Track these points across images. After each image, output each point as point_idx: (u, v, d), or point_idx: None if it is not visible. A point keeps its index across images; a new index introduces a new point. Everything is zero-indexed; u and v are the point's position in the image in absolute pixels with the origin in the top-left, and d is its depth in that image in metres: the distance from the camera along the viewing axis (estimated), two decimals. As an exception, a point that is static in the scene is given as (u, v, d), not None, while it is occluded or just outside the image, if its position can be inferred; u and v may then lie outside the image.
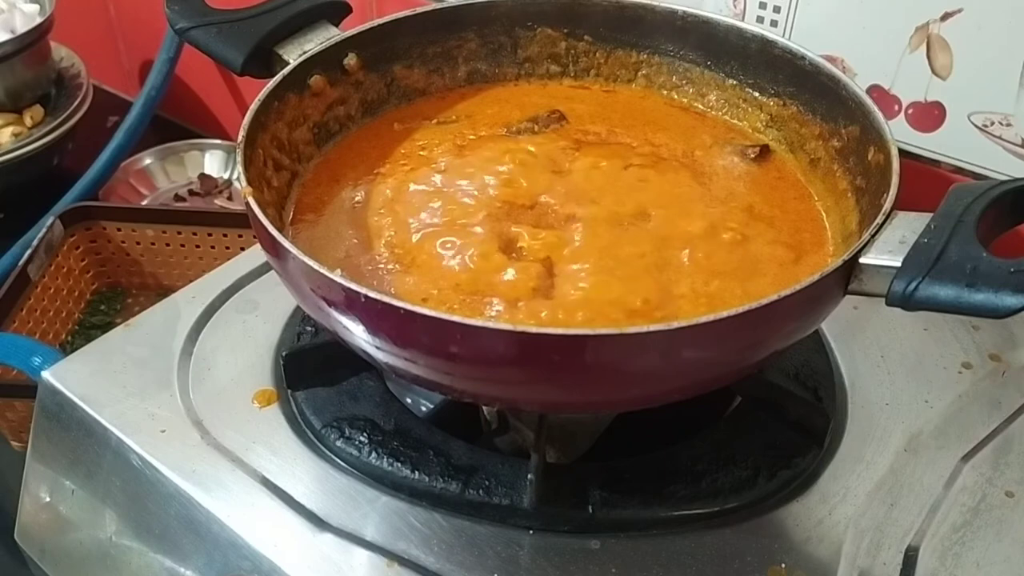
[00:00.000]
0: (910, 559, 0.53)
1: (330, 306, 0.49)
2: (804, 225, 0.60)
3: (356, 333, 0.49)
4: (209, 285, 0.71)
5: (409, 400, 0.64)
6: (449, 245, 0.57)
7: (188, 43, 0.66)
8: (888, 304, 0.46)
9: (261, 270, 0.72)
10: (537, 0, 0.71)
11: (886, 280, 0.46)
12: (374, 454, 0.58)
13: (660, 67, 0.71)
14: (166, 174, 1.13)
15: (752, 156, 0.65)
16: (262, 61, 0.65)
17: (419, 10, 0.69)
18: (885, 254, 0.47)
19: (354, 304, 0.47)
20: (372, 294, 0.46)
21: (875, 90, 0.71)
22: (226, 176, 1.12)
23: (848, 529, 0.55)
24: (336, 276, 0.47)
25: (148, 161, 1.12)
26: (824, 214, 0.61)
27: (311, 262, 0.48)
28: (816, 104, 0.63)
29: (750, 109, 0.68)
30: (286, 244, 0.49)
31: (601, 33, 0.71)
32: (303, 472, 0.58)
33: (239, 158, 0.55)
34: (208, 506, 0.56)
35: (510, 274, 0.54)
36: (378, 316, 0.47)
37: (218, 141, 1.16)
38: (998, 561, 0.53)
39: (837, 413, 0.61)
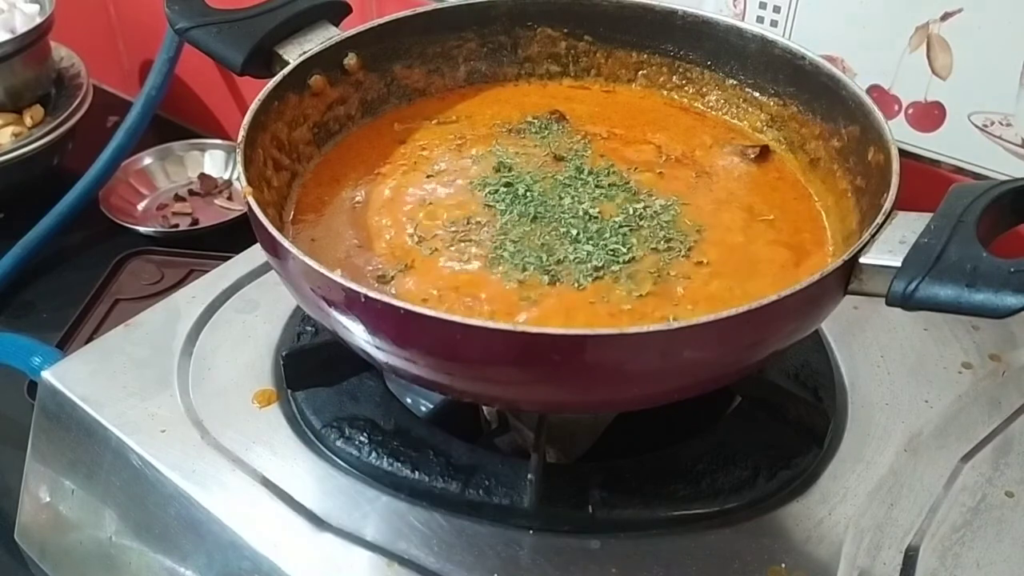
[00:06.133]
0: (910, 559, 0.53)
1: (330, 306, 0.49)
2: (804, 225, 0.60)
3: (356, 333, 0.49)
4: (209, 285, 0.71)
5: (409, 400, 0.64)
6: (449, 246, 0.57)
7: (188, 43, 0.66)
8: (888, 304, 0.46)
9: (261, 270, 0.72)
10: (537, 0, 0.71)
11: (886, 280, 0.46)
12: (374, 454, 0.58)
13: (660, 67, 0.71)
14: (166, 174, 1.12)
15: (752, 156, 0.65)
16: (262, 61, 0.65)
17: (419, 10, 0.69)
18: (885, 254, 0.47)
19: (354, 304, 0.47)
20: (372, 294, 0.46)
21: (875, 90, 0.71)
22: (226, 176, 1.12)
23: (848, 529, 0.55)
24: (336, 276, 0.47)
25: (148, 161, 1.12)
26: (824, 214, 0.61)
27: (311, 262, 0.48)
28: (816, 104, 0.63)
29: (750, 109, 0.68)
30: (286, 244, 0.49)
31: (601, 33, 0.71)
32: (303, 472, 0.58)
33: (239, 158, 0.55)
34: (208, 506, 0.56)
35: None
36: (378, 316, 0.47)
37: (218, 141, 1.15)
38: (998, 561, 0.53)
39: (837, 413, 0.61)
